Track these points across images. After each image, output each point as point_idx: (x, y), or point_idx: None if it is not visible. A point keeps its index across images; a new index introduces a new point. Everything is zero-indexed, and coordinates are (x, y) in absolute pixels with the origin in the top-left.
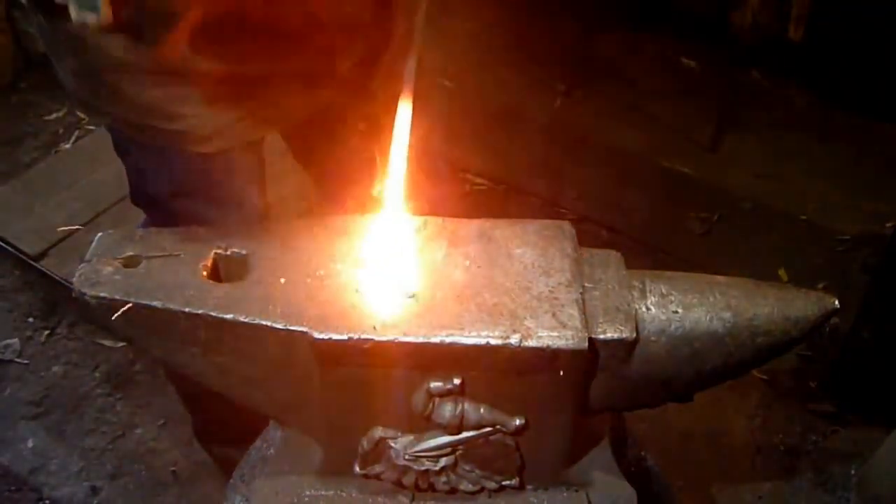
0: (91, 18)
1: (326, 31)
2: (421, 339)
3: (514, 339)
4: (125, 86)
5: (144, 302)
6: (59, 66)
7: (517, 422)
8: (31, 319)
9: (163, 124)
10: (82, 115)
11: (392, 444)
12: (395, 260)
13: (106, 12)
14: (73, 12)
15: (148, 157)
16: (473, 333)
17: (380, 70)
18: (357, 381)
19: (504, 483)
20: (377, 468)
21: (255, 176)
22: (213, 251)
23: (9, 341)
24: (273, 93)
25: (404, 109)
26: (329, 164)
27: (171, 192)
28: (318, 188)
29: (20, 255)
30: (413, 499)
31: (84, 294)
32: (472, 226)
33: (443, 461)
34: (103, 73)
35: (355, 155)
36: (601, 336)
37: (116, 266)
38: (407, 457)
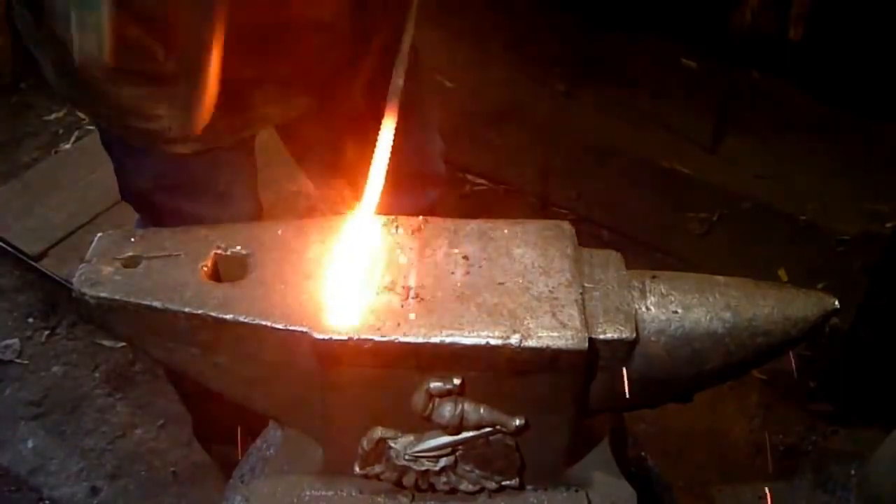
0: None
1: (303, 35)
2: (421, 339)
3: (514, 340)
4: (101, 85)
5: (144, 302)
6: (42, 62)
7: (517, 422)
8: (31, 319)
9: (139, 124)
10: (81, 114)
11: (392, 445)
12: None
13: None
14: (77, 44)
15: (130, 151)
16: (473, 333)
17: (361, 74)
18: (357, 381)
19: (504, 483)
20: (377, 468)
21: (242, 172)
22: (213, 251)
23: (9, 341)
24: (250, 97)
25: (389, 117)
26: (326, 164)
27: (153, 187)
28: (316, 187)
29: (20, 255)
30: (413, 499)
31: (84, 294)
32: (472, 226)
33: (443, 461)
34: (80, 72)
35: (352, 155)
36: (601, 336)
37: (116, 266)
38: (407, 457)
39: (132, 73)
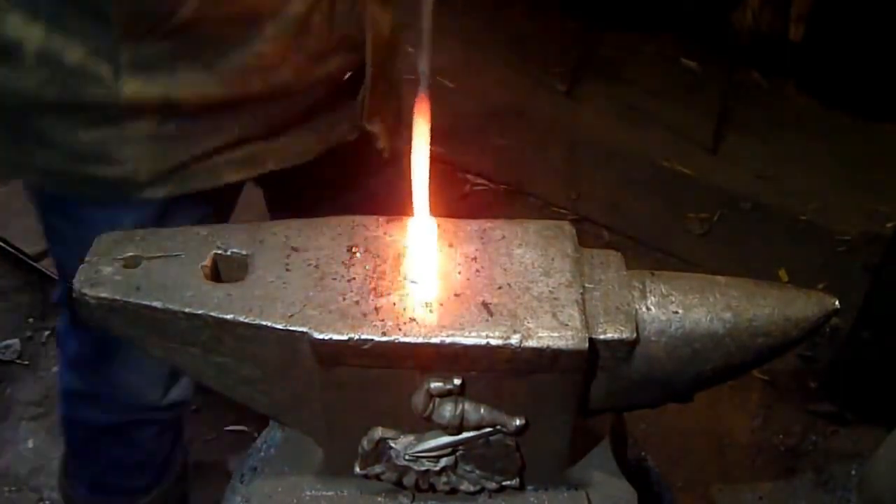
0: None
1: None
2: (421, 340)
3: (514, 340)
4: (51, 129)
5: (144, 302)
6: None
7: (517, 422)
8: (31, 319)
9: (100, 171)
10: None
11: (392, 445)
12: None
13: None
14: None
15: (84, 211)
16: (473, 333)
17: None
18: (357, 381)
19: (504, 483)
20: (377, 468)
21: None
22: (213, 251)
23: (9, 342)
24: (235, 128)
25: (421, 115)
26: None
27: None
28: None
29: (20, 255)
30: (413, 499)
31: (84, 294)
32: (472, 226)
33: (443, 461)
34: (24, 116)
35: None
36: (601, 336)
37: (116, 266)
38: (407, 457)
39: (86, 110)
